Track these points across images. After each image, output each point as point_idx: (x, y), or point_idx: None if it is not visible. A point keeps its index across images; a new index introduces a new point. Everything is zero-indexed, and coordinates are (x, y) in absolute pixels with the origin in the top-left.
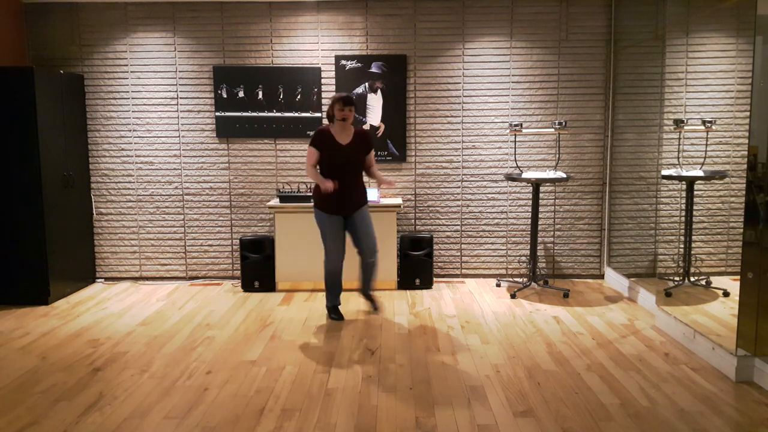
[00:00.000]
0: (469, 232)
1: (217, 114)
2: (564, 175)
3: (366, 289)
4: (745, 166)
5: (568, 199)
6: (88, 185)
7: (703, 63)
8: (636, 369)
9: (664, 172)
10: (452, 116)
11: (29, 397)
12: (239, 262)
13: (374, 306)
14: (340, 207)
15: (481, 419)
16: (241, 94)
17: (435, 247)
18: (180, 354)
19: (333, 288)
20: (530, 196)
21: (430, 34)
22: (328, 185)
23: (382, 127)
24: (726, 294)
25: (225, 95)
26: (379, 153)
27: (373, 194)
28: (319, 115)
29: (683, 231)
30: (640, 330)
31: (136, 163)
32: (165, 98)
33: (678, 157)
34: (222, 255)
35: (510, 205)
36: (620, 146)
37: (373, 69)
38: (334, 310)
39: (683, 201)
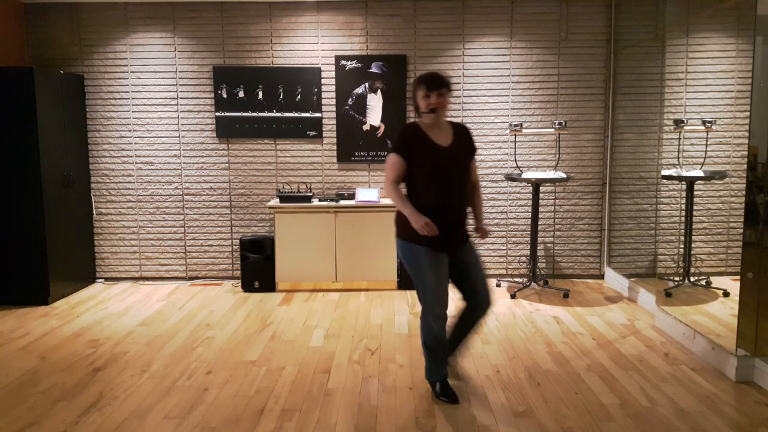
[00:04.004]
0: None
1: (217, 114)
2: (564, 175)
3: (456, 351)
4: (745, 166)
5: (568, 199)
6: (88, 185)
7: (703, 63)
8: (636, 369)
9: (664, 172)
10: (452, 116)
11: (29, 397)
12: (239, 262)
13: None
14: (448, 240)
15: (481, 419)
16: (241, 94)
17: None
18: (180, 354)
19: (441, 353)
20: (530, 196)
21: (430, 34)
22: (426, 227)
23: (382, 127)
24: (726, 294)
25: (225, 95)
26: (378, 153)
27: (373, 194)
28: (319, 115)
29: (683, 231)
30: (640, 330)
31: (136, 163)
32: (165, 98)
33: (678, 157)
34: (222, 255)
35: (510, 205)
36: (620, 146)
37: (373, 69)
38: (444, 387)
39: (683, 201)
